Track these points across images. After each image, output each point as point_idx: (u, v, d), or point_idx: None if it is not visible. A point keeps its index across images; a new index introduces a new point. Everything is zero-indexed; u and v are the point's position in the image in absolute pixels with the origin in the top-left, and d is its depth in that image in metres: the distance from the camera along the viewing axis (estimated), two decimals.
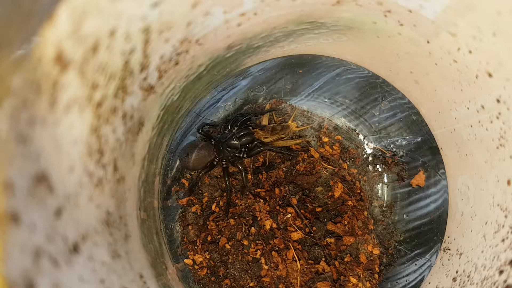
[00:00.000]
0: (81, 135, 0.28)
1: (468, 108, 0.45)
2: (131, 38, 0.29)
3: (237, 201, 0.57)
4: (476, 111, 0.44)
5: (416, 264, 0.58)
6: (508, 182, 0.42)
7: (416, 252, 0.59)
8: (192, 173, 0.60)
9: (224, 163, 0.58)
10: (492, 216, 0.45)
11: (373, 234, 0.58)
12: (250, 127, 0.59)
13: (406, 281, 0.57)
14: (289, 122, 0.62)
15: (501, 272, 0.41)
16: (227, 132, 0.59)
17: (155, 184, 0.54)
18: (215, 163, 0.58)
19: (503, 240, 0.42)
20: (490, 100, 0.41)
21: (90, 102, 0.28)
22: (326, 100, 0.64)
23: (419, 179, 0.61)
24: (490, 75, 0.39)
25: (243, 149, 0.58)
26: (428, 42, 0.43)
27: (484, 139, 0.45)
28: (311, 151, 0.61)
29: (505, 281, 0.40)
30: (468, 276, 0.46)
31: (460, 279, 0.47)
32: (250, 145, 0.58)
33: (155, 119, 0.44)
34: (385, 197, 0.62)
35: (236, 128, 0.59)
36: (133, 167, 0.42)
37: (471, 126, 0.46)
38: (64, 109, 0.25)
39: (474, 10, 0.35)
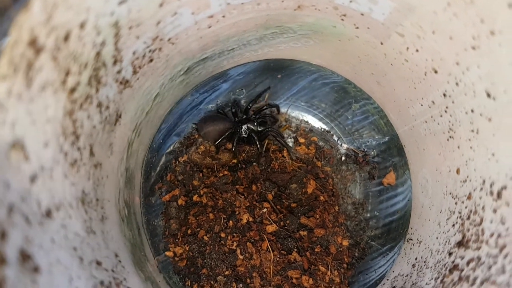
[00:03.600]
0: (55, 116, 0.32)
1: (422, 105, 0.49)
2: (101, 31, 0.33)
3: (223, 194, 0.61)
4: (428, 107, 0.48)
5: (385, 257, 0.61)
6: (457, 171, 0.46)
7: (386, 247, 0.62)
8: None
9: (236, 137, 0.65)
10: (445, 204, 0.48)
11: (343, 227, 0.61)
12: (267, 116, 0.66)
13: (375, 273, 0.60)
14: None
15: (450, 254, 0.44)
16: (246, 116, 0.66)
17: (136, 179, 0.58)
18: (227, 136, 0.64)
19: (453, 225, 0.45)
20: (438, 95, 0.45)
21: (63, 86, 0.32)
22: (303, 104, 0.68)
23: (390, 178, 0.65)
24: (435, 72, 0.43)
25: (258, 134, 0.65)
26: (382, 43, 0.47)
27: (437, 132, 0.48)
28: (285, 151, 0.65)
29: (453, 262, 0.43)
30: (425, 261, 0.49)
31: (418, 265, 0.51)
32: (263, 130, 0.65)
33: (134, 114, 0.48)
34: (358, 195, 0.66)
35: (255, 115, 0.66)
36: (111, 156, 0.46)
37: (426, 122, 0.50)
38: (39, 89, 0.29)
39: (415, 11, 0.39)
